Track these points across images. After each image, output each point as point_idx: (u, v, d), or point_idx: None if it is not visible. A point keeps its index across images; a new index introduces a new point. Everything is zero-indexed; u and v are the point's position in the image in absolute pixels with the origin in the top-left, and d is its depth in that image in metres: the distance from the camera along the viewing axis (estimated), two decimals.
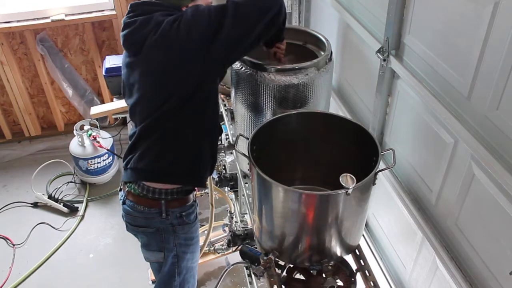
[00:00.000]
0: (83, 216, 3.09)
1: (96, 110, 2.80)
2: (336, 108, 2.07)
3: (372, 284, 1.40)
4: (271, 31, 1.47)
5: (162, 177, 1.59)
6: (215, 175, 2.24)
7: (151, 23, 1.41)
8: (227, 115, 2.19)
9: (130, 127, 2.06)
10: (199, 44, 1.38)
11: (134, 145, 1.57)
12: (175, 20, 1.39)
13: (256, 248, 1.54)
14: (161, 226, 1.63)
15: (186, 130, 1.53)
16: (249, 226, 2.15)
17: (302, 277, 1.49)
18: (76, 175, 3.33)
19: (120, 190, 1.71)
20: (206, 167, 1.65)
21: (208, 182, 2.12)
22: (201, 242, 2.51)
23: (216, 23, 1.37)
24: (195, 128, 1.54)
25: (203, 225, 2.78)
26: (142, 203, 1.61)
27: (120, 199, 1.68)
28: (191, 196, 1.68)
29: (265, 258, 1.40)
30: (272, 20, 1.42)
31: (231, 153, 2.32)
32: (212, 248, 2.45)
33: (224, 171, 2.34)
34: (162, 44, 1.40)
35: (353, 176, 1.18)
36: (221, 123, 1.88)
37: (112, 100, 3.33)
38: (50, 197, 3.15)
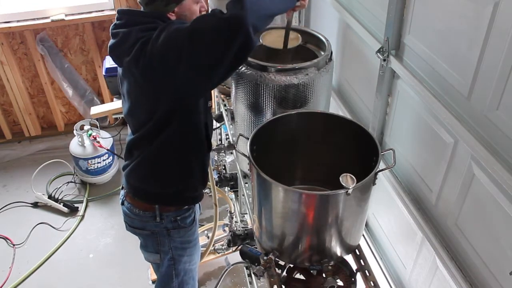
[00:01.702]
0: (83, 216, 3.09)
1: (96, 110, 2.80)
2: (336, 108, 2.07)
3: (372, 284, 1.40)
4: (241, 59, 1.36)
5: (151, 200, 1.61)
6: (215, 175, 2.24)
7: (129, 41, 1.38)
8: (227, 115, 2.19)
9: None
10: (172, 67, 1.32)
11: (130, 152, 1.59)
12: (145, 43, 1.33)
13: (256, 248, 1.54)
14: (156, 230, 1.63)
15: (170, 150, 1.52)
16: (249, 226, 2.15)
17: (302, 277, 1.49)
18: (76, 175, 3.33)
19: (122, 188, 1.72)
20: (195, 187, 1.64)
21: (210, 183, 2.12)
22: (202, 242, 2.52)
23: (187, 47, 1.28)
24: (179, 149, 1.53)
25: (203, 225, 2.78)
26: (138, 206, 1.62)
27: (120, 199, 1.69)
28: None
29: (265, 258, 1.40)
30: (239, 50, 1.28)
31: (231, 153, 2.32)
32: (212, 248, 2.45)
33: (224, 171, 2.34)
34: (138, 64, 1.37)
35: (353, 176, 1.18)
36: (221, 123, 1.87)
37: (112, 100, 3.34)
38: (50, 197, 3.15)
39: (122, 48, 1.40)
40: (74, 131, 3.17)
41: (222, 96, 2.33)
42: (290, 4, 1.46)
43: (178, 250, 1.68)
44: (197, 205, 1.75)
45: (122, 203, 1.68)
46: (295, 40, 1.67)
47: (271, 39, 1.67)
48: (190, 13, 1.46)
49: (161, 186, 1.60)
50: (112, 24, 1.47)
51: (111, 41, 1.46)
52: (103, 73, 3.00)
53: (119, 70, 1.55)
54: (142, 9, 1.48)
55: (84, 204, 3.16)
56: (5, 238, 2.91)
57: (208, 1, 2.38)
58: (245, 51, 1.30)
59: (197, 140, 1.57)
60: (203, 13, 1.51)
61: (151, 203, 1.60)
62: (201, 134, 1.57)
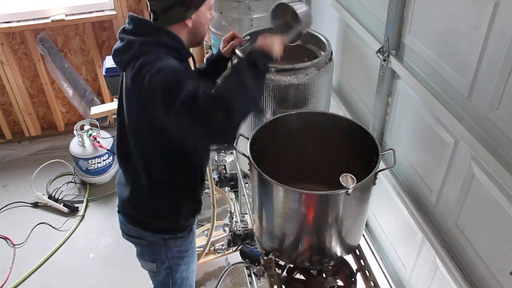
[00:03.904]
0: (83, 216, 3.08)
1: (96, 110, 2.80)
2: (336, 108, 2.07)
3: (372, 284, 1.40)
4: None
5: (143, 227, 1.60)
6: (215, 175, 2.24)
7: (131, 51, 1.36)
8: None
9: None
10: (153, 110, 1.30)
11: (122, 161, 1.63)
12: (144, 66, 1.30)
13: (256, 248, 1.54)
14: (152, 240, 1.61)
15: (161, 171, 1.50)
16: (249, 226, 2.15)
17: (302, 277, 1.49)
18: (76, 175, 3.33)
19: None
20: (187, 213, 1.61)
21: (209, 183, 2.12)
22: (202, 242, 2.52)
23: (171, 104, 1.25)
24: (170, 171, 1.51)
25: (203, 225, 2.78)
26: (132, 223, 1.62)
27: (117, 206, 1.68)
28: None
29: (265, 258, 1.40)
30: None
31: (231, 153, 2.32)
32: (212, 248, 2.45)
33: (224, 171, 2.34)
34: (130, 86, 1.37)
35: (353, 176, 1.18)
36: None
37: (112, 100, 3.33)
38: (50, 197, 3.14)
39: (124, 56, 1.40)
40: (74, 131, 3.16)
41: None
42: (264, 75, 1.39)
43: (175, 259, 1.66)
44: None
45: (119, 211, 1.67)
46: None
47: None
48: (204, 19, 1.43)
49: (153, 219, 1.59)
50: (121, 28, 1.45)
51: (116, 45, 1.44)
52: (103, 73, 2.99)
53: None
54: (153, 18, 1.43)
55: (84, 204, 3.16)
56: (5, 238, 2.91)
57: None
58: (225, 141, 1.35)
59: (188, 175, 1.55)
60: (211, 18, 1.48)
61: (144, 229, 1.60)
62: (192, 161, 1.54)
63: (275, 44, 1.39)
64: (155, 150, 1.45)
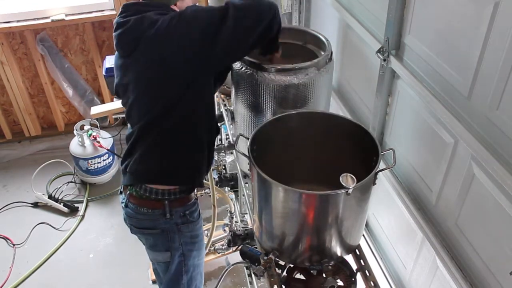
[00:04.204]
0: (83, 216, 3.09)
1: (96, 110, 2.80)
2: (336, 108, 2.07)
3: (372, 284, 1.40)
4: (266, 37, 1.48)
5: (163, 179, 1.60)
6: (215, 175, 2.24)
7: (146, 21, 1.42)
8: (227, 115, 2.19)
9: None
10: (198, 42, 1.39)
11: (132, 147, 1.58)
12: (172, 18, 1.40)
13: (256, 248, 1.54)
14: (166, 226, 1.63)
15: (182, 130, 1.53)
16: (249, 226, 2.15)
17: (302, 277, 1.49)
18: (76, 175, 3.33)
19: (121, 193, 1.71)
20: (204, 167, 1.65)
21: (209, 183, 2.12)
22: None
23: (217, 24, 1.38)
24: (191, 128, 1.54)
25: (203, 225, 2.78)
26: (145, 205, 1.61)
27: (122, 202, 1.68)
28: (192, 194, 1.69)
29: (265, 258, 1.40)
30: (268, 26, 1.44)
31: (231, 153, 2.32)
32: (212, 248, 2.45)
33: (224, 171, 2.34)
34: (159, 39, 1.41)
35: (353, 176, 1.18)
36: (221, 123, 1.87)
37: (112, 100, 3.33)
38: (50, 197, 3.15)
39: (136, 30, 1.43)
40: (74, 131, 3.17)
41: (222, 96, 2.33)
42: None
43: (188, 245, 1.69)
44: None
45: (126, 206, 1.66)
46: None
47: None
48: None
49: (175, 164, 1.59)
50: (117, 17, 1.48)
51: (119, 30, 1.46)
52: (103, 73, 2.99)
53: (120, 62, 1.53)
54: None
55: (84, 204, 3.16)
56: (5, 238, 2.91)
57: (208, 0, 2.38)
58: (271, 28, 1.47)
59: (209, 117, 1.59)
60: None
61: (165, 182, 1.59)
62: (212, 114, 1.61)
63: None
64: (181, 107, 1.48)
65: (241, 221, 2.36)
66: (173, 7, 1.50)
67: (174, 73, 1.43)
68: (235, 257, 2.17)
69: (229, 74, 1.69)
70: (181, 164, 1.59)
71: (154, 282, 2.58)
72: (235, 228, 2.12)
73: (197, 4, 1.47)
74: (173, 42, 1.40)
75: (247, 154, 1.31)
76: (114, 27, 1.49)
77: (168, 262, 1.71)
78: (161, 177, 1.59)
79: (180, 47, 1.40)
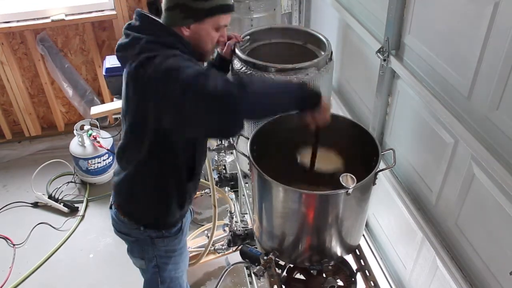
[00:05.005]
0: (83, 216, 3.08)
1: (96, 110, 2.80)
2: (336, 108, 2.07)
3: (372, 284, 1.40)
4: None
5: (128, 215, 1.59)
6: (215, 175, 2.23)
7: (136, 48, 1.33)
8: None
9: None
10: (150, 100, 1.31)
11: (118, 159, 1.59)
12: (149, 60, 1.29)
13: (256, 248, 1.54)
14: (140, 237, 1.61)
15: (146, 172, 1.50)
16: (249, 226, 2.15)
17: (302, 277, 1.49)
18: (76, 175, 3.33)
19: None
20: (171, 211, 1.58)
21: (210, 183, 2.12)
22: (202, 242, 2.52)
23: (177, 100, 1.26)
24: (156, 170, 1.49)
25: (203, 225, 2.78)
26: (122, 213, 1.62)
27: (110, 202, 1.68)
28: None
29: (265, 258, 1.40)
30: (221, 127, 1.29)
31: (231, 153, 2.32)
32: (212, 248, 2.45)
33: (224, 171, 2.34)
34: (131, 76, 1.35)
35: (353, 176, 1.18)
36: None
37: (112, 100, 3.33)
38: (50, 197, 3.14)
39: (128, 52, 1.38)
40: (74, 131, 3.16)
41: None
42: (299, 104, 1.30)
43: (163, 258, 1.66)
44: (188, 213, 1.72)
45: (110, 207, 1.67)
46: (330, 163, 1.42)
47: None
48: (206, 35, 1.40)
49: (141, 209, 1.58)
50: (127, 23, 1.43)
51: (120, 41, 1.42)
52: (103, 73, 2.99)
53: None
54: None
55: (84, 204, 3.16)
56: (5, 238, 2.91)
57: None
58: (227, 132, 1.34)
59: (176, 168, 1.51)
60: (222, 41, 1.47)
61: (132, 220, 1.60)
62: (188, 158, 1.51)
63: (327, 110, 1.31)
64: (146, 141, 1.41)
65: (241, 221, 2.36)
66: (184, 29, 1.38)
67: (141, 113, 1.38)
68: (235, 257, 2.17)
69: (229, 75, 1.69)
70: (144, 204, 1.57)
71: None
72: (235, 228, 2.12)
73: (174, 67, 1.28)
74: (143, 87, 1.32)
75: (247, 154, 1.31)
76: (116, 47, 1.44)
77: (144, 269, 1.71)
78: (127, 213, 1.60)
79: (146, 96, 1.31)
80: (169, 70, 1.26)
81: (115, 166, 3.47)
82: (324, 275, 1.38)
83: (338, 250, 1.38)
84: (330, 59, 1.62)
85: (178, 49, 1.36)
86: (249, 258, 1.51)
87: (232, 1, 1.41)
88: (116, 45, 1.43)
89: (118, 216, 1.62)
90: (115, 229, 1.68)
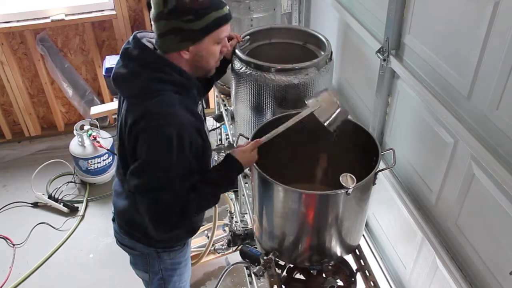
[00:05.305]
0: (83, 216, 3.09)
1: (96, 110, 2.80)
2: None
3: (372, 284, 1.41)
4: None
5: (136, 239, 1.58)
6: None
7: (136, 84, 1.31)
8: (227, 115, 2.19)
9: None
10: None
11: (119, 175, 1.60)
12: (142, 117, 1.28)
13: (256, 248, 1.54)
14: (146, 251, 1.58)
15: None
16: (249, 226, 2.15)
17: (302, 277, 1.49)
18: (76, 175, 3.33)
19: None
20: (182, 239, 1.59)
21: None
22: (203, 242, 2.52)
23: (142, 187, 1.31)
24: None
25: (203, 225, 2.78)
26: (128, 236, 1.60)
27: (112, 213, 1.66)
28: None
29: (265, 258, 1.40)
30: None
31: None
32: (212, 248, 2.45)
33: None
34: (134, 135, 1.33)
35: (353, 176, 1.18)
36: (221, 123, 1.81)
37: (112, 100, 3.34)
38: (50, 197, 3.15)
39: (127, 86, 1.34)
40: (74, 131, 3.17)
41: (222, 96, 2.33)
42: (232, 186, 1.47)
43: (168, 271, 1.64)
44: None
45: (113, 220, 1.64)
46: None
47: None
48: (207, 53, 1.33)
49: (147, 237, 1.53)
50: (124, 47, 1.36)
51: (118, 67, 1.36)
52: (103, 73, 3.00)
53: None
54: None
55: (84, 204, 3.16)
56: (5, 238, 2.91)
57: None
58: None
59: None
60: (225, 53, 1.43)
61: (129, 237, 1.59)
62: None
63: (248, 159, 1.36)
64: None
65: (241, 221, 2.36)
66: (183, 53, 1.31)
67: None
68: (235, 257, 2.17)
69: (229, 74, 1.69)
70: (136, 222, 1.50)
71: None
72: (235, 228, 2.12)
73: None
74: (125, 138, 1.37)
75: None
76: (120, 51, 1.38)
77: (148, 281, 1.69)
78: (132, 236, 1.58)
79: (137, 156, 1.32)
80: (157, 160, 1.28)
81: (115, 166, 3.47)
82: (324, 275, 1.38)
83: (338, 250, 1.38)
84: (330, 59, 1.62)
85: (179, 84, 1.32)
86: (249, 258, 1.52)
87: (228, 8, 1.32)
88: (113, 72, 1.38)
89: (121, 232, 1.60)
90: (117, 241, 1.66)
